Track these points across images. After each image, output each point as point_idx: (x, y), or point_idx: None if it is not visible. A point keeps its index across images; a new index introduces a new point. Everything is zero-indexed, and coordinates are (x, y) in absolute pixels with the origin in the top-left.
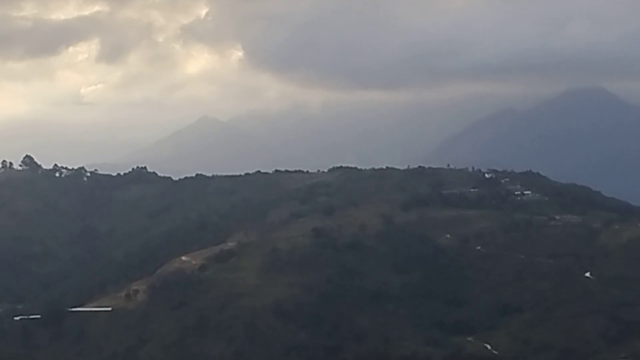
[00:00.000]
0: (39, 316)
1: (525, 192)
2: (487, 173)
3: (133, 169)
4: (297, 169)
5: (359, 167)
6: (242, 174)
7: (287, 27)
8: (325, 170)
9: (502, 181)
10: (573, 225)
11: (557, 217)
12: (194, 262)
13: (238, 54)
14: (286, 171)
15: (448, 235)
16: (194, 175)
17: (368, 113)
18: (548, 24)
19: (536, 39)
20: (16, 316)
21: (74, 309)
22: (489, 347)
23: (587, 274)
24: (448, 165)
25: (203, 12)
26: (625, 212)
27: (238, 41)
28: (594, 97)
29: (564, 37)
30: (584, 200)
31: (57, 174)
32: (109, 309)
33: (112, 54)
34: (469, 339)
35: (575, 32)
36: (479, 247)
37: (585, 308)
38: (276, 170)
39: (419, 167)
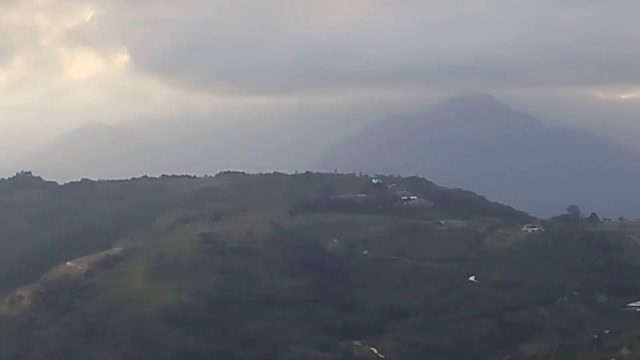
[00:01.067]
0: None
1: (412, 197)
2: (375, 178)
3: (17, 173)
4: (185, 173)
5: (247, 172)
6: (129, 178)
7: (174, 30)
8: (213, 175)
9: (389, 186)
10: (458, 229)
11: (443, 222)
12: (79, 267)
13: (124, 57)
14: (174, 176)
15: (336, 240)
16: (79, 180)
17: (257, 118)
18: (436, 30)
19: (424, 45)
20: None
21: None
22: (375, 351)
23: (472, 278)
24: (336, 171)
25: (88, 15)
26: (509, 216)
27: (124, 45)
28: (480, 104)
29: (451, 44)
30: (468, 205)
31: None
32: None
33: None
34: (357, 343)
35: (462, 38)
36: (366, 252)
37: (471, 312)
38: (163, 175)
39: (307, 172)
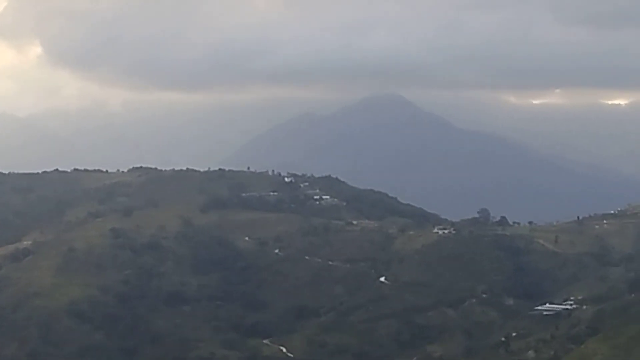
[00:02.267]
0: None
1: (324, 197)
2: (287, 177)
3: None
4: (97, 168)
5: (159, 168)
6: (40, 171)
7: (87, 24)
8: (125, 170)
9: (302, 185)
10: (370, 230)
11: (355, 222)
12: None
13: (37, 50)
14: (85, 170)
15: (247, 238)
16: None
17: (170, 114)
18: (349, 30)
19: (337, 45)
20: None
21: None
22: (284, 350)
23: (382, 279)
24: (248, 169)
25: (1, 6)
26: (420, 218)
27: (37, 37)
28: (393, 104)
29: (364, 44)
30: (380, 206)
31: None
32: None
33: None
34: (265, 341)
35: (375, 39)
36: (277, 251)
37: (380, 312)
38: (75, 169)
39: (220, 169)
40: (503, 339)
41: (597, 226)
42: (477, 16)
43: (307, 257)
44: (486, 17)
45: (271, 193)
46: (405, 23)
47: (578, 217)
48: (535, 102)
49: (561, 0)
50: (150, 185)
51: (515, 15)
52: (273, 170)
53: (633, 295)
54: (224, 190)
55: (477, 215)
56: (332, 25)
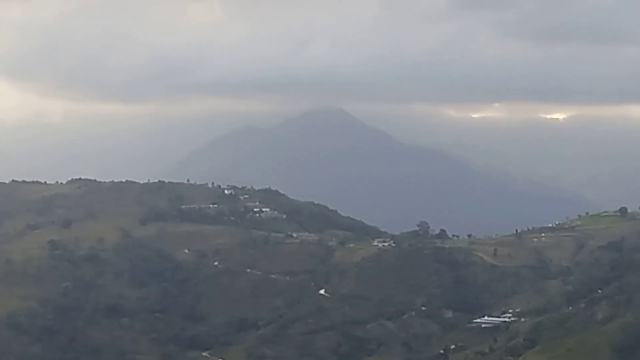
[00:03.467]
0: None
1: (264, 209)
2: (227, 189)
3: None
4: (35, 179)
5: (98, 180)
6: None
7: (26, 34)
8: (64, 182)
9: (242, 198)
10: (309, 243)
11: (294, 235)
12: None
13: None
14: (23, 181)
15: (186, 250)
16: None
17: (109, 125)
18: (289, 42)
19: (277, 57)
20: None
21: None
22: None
23: (322, 292)
24: (188, 180)
25: None
26: (360, 231)
27: None
28: (333, 118)
29: (305, 57)
30: (320, 218)
31: None
32: None
33: None
34: (205, 354)
35: (316, 52)
36: (216, 263)
37: (319, 325)
38: (13, 181)
39: (159, 181)
40: (442, 351)
41: (535, 239)
42: (418, 31)
43: (246, 270)
44: (427, 31)
45: (211, 205)
46: (346, 36)
47: (517, 231)
48: (474, 115)
49: (500, 16)
50: (89, 196)
51: (456, 31)
52: (213, 183)
53: (571, 307)
54: (164, 202)
55: (416, 228)
56: (273, 38)
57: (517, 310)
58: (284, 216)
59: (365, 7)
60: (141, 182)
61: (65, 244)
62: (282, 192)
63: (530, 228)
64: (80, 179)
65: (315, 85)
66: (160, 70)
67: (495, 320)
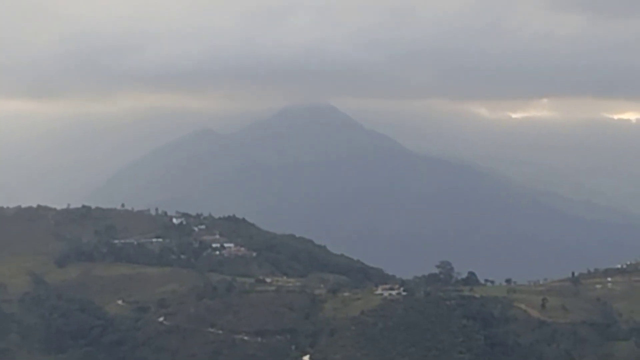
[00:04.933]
0: None
1: (227, 245)
2: (176, 217)
3: None
4: None
5: (0, 205)
6: None
7: None
8: None
9: (196, 228)
10: (289, 291)
11: (268, 280)
12: None
13: None
14: None
15: (120, 302)
16: None
17: (14, 129)
18: (258, 21)
19: (241, 40)
20: None
21: None
22: None
23: (306, 358)
24: (123, 206)
25: None
26: (358, 274)
27: None
28: (320, 117)
29: (278, 39)
30: (304, 257)
31: None
32: None
33: None
34: None
35: (293, 31)
36: (162, 319)
37: None
38: None
39: (84, 206)
40: None
41: (598, 286)
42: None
43: (203, 328)
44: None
45: (154, 240)
46: (335, 10)
47: (573, 274)
48: (514, 116)
49: None
50: None
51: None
52: (157, 209)
53: None
54: (89, 235)
55: (436, 271)
56: (235, 11)
57: None
58: (254, 254)
59: None
60: (58, 207)
61: None
62: (250, 220)
63: (592, 270)
64: None
65: (294, 76)
66: (83, 57)
67: None
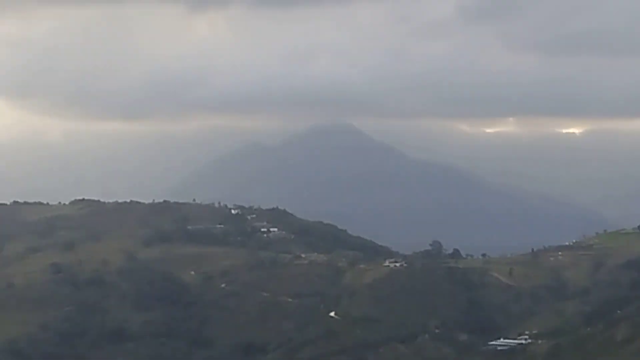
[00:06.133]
0: None
1: (272, 229)
2: (234, 209)
3: None
4: (37, 200)
5: (101, 200)
6: None
7: (23, 53)
8: (67, 203)
9: (249, 217)
10: (318, 264)
11: (303, 256)
12: None
13: None
14: (25, 203)
15: (192, 272)
16: None
17: (112, 144)
18: (294, 58)
19: (281, 73)
20: None
21: None
22: None
23: (332, 314)
24: (194, 200)
25: None
26: (371, 251)
27: None
28: (342, 133)
29: (309, 72)
30: (330, 238)
31: None
32: None
33: None
34: None
35: (321, 67)
36: (223, 285)
37: (329, 349)
38: (15, 202)
39: (164, 201)
40: None
41: (551, 258)
42: (425, 43)
43: (254, 292)
44: (434, 44)
45: (217, 226)
46: (351, 50)
47: (533, 250)
48: (488, 130)
49: (507, 28)
50: (93, 217)
51: (463, 43)
52: (219, 202)
53: (589, 329)
54: (169, 222)
55: (429, 248)
56: (276, 53)
57: (533, 332)
58: (292, 236)
59: (369, 20)
60: (145, 202)
61: (68, 267)
62: (290, 211)
63: (547, 247)
64: (83, 199)
65: (322, 100)
66: (162, 87)
67: (512, 343)
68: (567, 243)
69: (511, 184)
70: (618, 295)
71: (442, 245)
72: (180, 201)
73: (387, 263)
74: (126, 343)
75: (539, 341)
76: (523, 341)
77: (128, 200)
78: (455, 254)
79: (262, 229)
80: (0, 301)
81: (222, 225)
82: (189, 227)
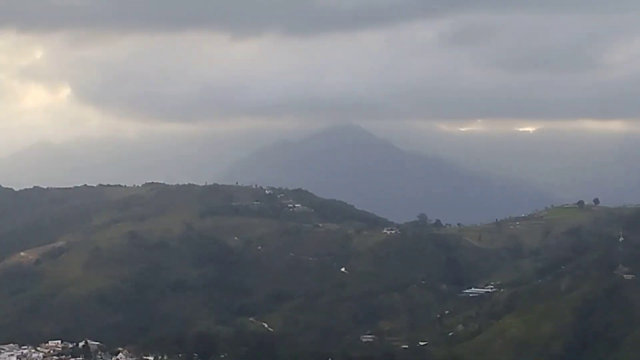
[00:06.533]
0: None
1: (296, 205)
2: (267, 190)
3: None
4: (117, 183)
5: (166, 183)
6: (72, 186)
7: (105, 70)
8: (140, 185)
9: (278, 196)
10: (332, 231)
11: (320, 225)
12: (30, 257)
13: (66, 90)
14: (108, 185)
15: (235, 238)
16: (32, 187)
17: (173, 140)
18: (311, 72)
19: (302, 84)
20: None
21: None
22: (266, 325)
23: (343, 270)
24: (236, 183)
25: (38, 55)
26: (372, 221)
27: (66, 80)
28: (351, 132)
29: (323, 83)
30: (340, 212)
31: None
32: None
33: None
34: (251, 319)
35: (332, 79)
36: (259, 248)
37: (341, 296)
38: (100, 185)
39: (214, 184)
40: (438, 316)
41: (511, 227)
42: (415, 62)
43: (283, 253)
44: (421, 63)
45: (254, 202)
46: (357, 67)
47: (497, 220)
48: (462, 129)
49: (478, 50)
50: (159, 197)
51: (444, 62)
52: (256, 185)
53: (540, 280)
54: (218, 200)
55: (417, 219)
56: (298, 69)
57: (497, 283)
58: (312, 210)
59: (370, 44)
60: (199, 185)
61: (141, 234)
62: (310, 191)
63: (508, 218)
64: (152, 182)
65: (334, 106)
66: (211, 96)
67: (480, 291)
68: (523, 215)
69: (480, 171)
70: (562, 255)
71: (427, 217)
72: (226, 184)
73: (385, 231)
74: (185, 292)
75: (501, 290)
76: (489, 290)
77: (186, 183)
78: (437, 223)
79: (289, 205)
80: (89, 260)
81: (258, 202)
82: (233, 204)
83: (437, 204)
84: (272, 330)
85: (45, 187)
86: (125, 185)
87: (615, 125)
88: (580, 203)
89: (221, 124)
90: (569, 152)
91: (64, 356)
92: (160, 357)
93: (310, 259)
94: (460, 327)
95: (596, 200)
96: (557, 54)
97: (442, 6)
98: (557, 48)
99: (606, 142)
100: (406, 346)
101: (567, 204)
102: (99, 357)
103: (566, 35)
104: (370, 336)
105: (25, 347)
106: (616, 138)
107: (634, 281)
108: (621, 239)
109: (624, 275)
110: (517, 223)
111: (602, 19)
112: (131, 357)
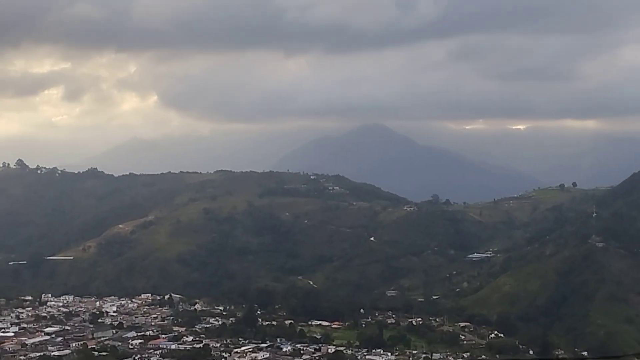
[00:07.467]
0: (25, 262)
1: (335, 188)
2: (312, 176)
3: (88, 169)
4: (195, 171)
5: (232, 170)
6: (159, 173)
7: (185, 81)
8: (212, 172)
9: (321, 180)
10: (363, 208)
11: (354, 203)
12: (127, 228)
13: (154, 98)
14: (187, 172)
15: (287, 213)
16: (128, 174)
17: (236, 137)
18: (347, 83)
19: (341, 93)
20: (10, 262)
21: (48, 257)
22: (311, 282)
23: (372, 239)
24: (288, 170)
25: (132, 70)
26: (395, 200)
27: (154, 89)
28: (379, 130)
29: (358, 92)
30: (370, 192)
31: (39, 172)
32: (71, 257)
33: (72, 95)
34: (299, 277)
35: (364, 89)
36: (306, 221)
37: (370, 259)
38: (181, 172)
39: (270, 171)
40: (447, 275)
41: (506, 205)
42: (427, 74)
43: (324, 225)
44: (433, 75)
45: (302, 186)
46: (381, 78)
47: (494, 199)
48: (467, 127)
49: (479, 64)
50: (227, 181)
51: (452, 74)
52: (304, 172)
53: (529, 247)
54: (273, 184)
55: (431, 199)
56: (337, 80)
57: (494, 249)
58: (347, 192)
59: (393, 60)
60: (259, 172)
61: (213, 210)
62: (346, 177)
63: (503, 198)
64: (221, 170)
65: (365, 110)
66: (268, 102)
67: (481, 256)
68: (515, 196)
69: (482, 161)
70: (546, 227)
71: (439, 197)
72: (280, 171)
73: (405, 208)
74: (247, 256)
75: (498, 255)
76: (488, 255)
77: (248, 171)
78: (447, 202)
79: (329, 188)
80: (173, 231)
81: (305, 185)
82: (285, 187)
83: (446, 187)
84: (316, 286)
85: (138, 173)
86: (200, 172)
87: (590, 124)
88: (561, 186)
89: (276, 124)
90: (552, 145)
91: (153, 306)
92: (228, 307)
93: (346, 230)
94: (465, 284)
95: (574, 184)
96: (541, 67)
97: (450, 30)
98: (542, 62)
99: (582, 137)
100: (422, 299)
101: (551, 187)
102: (181, 307)
103: (549, 52)
104: (393, 291)
105: (123, 299)
106: (590, 134)
107: (604, 248)
108: (594, 214)
109: (597, 244)
110: (511, 202)
111: (578, 39)
112: (205, 307)
